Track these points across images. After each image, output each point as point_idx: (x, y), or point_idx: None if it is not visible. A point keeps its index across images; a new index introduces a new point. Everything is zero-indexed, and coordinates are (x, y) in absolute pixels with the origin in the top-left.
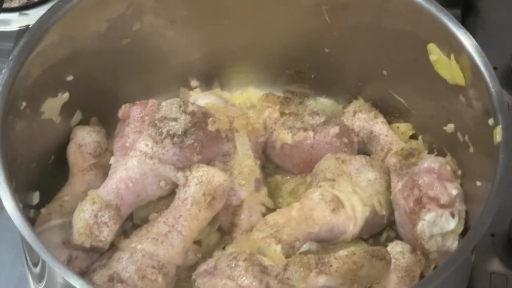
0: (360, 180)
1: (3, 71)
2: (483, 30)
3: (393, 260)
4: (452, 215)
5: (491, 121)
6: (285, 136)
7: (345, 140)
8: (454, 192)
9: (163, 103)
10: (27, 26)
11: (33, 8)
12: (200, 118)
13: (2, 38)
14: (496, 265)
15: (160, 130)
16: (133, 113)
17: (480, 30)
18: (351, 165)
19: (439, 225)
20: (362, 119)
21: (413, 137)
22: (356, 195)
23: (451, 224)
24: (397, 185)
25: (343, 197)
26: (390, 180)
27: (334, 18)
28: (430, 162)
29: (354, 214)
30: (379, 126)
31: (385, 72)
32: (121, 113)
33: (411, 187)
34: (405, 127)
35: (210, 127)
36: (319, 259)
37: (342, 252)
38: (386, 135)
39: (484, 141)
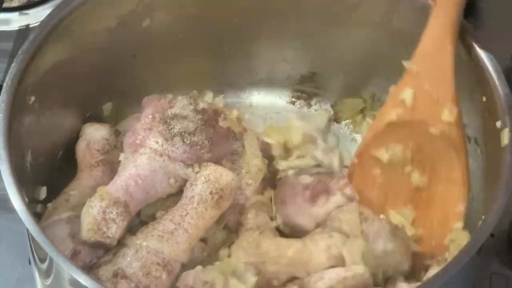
0: (375, 247)
1: (12, 65)
2: (483, 30)
3: None
4: None
5: (498, 124)
6: None
7: None
8: None
9: (174, 100)
10: (27, 26)
11: (33, 7)
12: (211, 116)
13: (2, 38)
14: (496, 266)
15: (170, 127)
16: (147, 108)
17: (480, 30)
18: (371, 227)
19: None
20: None
21: None
22: (362, 262)
23: None
24: None
25: (349, 259)
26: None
27: (344, 19)
28: None
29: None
30: None
31: (393, 73)
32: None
33: None
34: None
35: (221, 123)
36: None
37: None
38: None
39: (491, 144)
